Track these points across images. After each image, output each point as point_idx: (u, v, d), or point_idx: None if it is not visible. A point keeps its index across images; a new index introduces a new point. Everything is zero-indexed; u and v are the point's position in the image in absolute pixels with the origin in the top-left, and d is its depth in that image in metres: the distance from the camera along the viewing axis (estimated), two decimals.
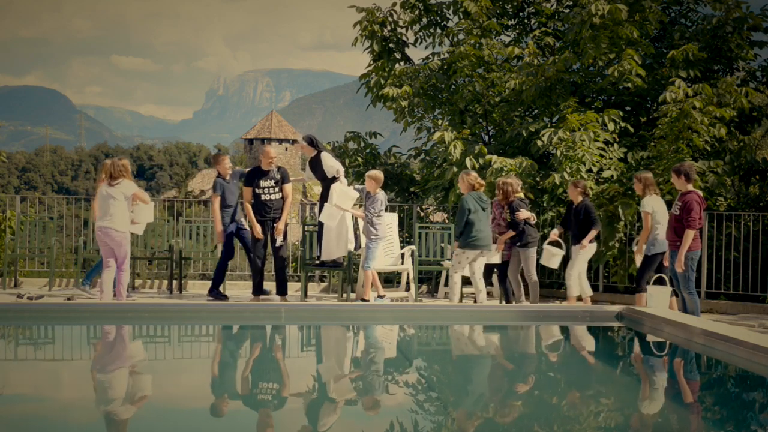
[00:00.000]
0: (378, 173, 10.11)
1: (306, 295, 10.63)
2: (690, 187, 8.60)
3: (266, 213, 10.00)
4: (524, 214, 9.74)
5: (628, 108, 13.62)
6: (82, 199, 14.10)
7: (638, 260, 9.52)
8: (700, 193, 8.70)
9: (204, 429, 4.23)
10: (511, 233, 9.79)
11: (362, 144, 14.93)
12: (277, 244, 10.04)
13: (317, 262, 10.62)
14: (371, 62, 14.78)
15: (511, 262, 9.94)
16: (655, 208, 9.32)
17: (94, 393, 5.08)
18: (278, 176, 10.08)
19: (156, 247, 12.25)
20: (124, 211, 9.38)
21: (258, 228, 9.94)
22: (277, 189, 10.03)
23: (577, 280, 9.91)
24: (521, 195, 9.97)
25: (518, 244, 9.79)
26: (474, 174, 10.02)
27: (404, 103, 13.94)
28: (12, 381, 5.35)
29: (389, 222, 10.62)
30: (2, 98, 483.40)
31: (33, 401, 4.75)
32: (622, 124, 12.25)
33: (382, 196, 10.01)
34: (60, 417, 4.41)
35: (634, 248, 9.72)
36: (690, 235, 8.43)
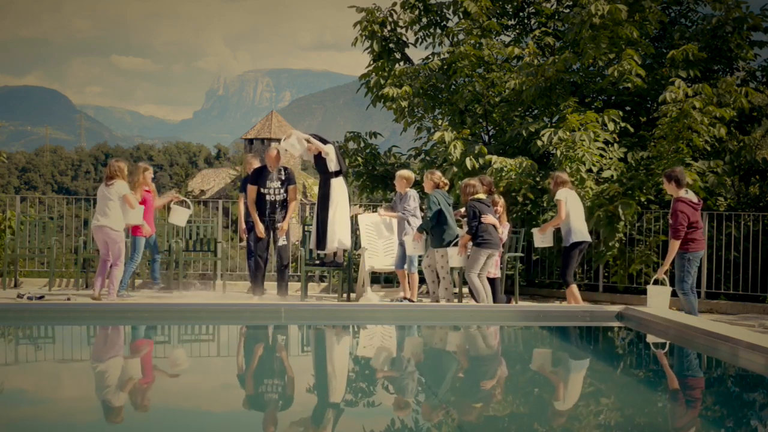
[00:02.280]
0: (408, 172, 10.26)
1: (306, 295, 10.63)
2: (681, 192, 8.55)
3: (270, 213, 10.04)
4: (489, 219, 9.42)
5: (628, 108, 13.63)
6: (82, 199, 14.10)
7: (537, 239, 9.90)
8: (692, 198, 8.58)
9: (204, 429, 4.24)
10: (468, 237, 9.51)
11: (362, 144, 14.94)
12: (280, 243, 10.06)
13: (317, 261, 10.62)
14: (371, 62, 14.78)
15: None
16: (568, 199, 9.44)
17: (94, 393, 5.08)
18: (284, 177, 10.12)
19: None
20: (118, 211, 9.77)
21: (261, 227, 9.98)
22: (282, 189, 10.08)
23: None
24: (482, 196, 9.59)
25: (474, 242, 9.49)
26: (438, 173, 10.10)
27: (404, 103, 13.95)
28: (12, 381, 5.35)
29: (389, 222, 10.63)
30: (2, 98, 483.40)
31: (33, 401, 4.75)
32: (622, 124, 12.25)
33: (413, 193, 10.14)
34: (60, 417, 4.41)
35: (534, 230, 9.98)
36: (674, 244, 8.41)
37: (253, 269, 10.29)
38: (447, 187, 10.14)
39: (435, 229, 9.77)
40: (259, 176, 10.15)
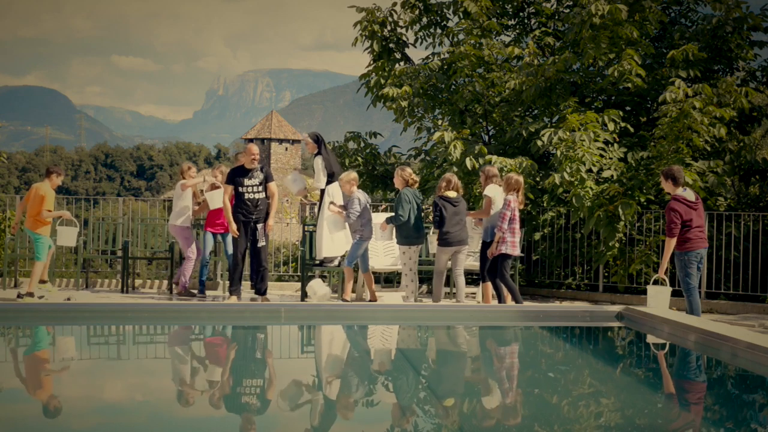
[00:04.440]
0: (348, 174, 9.97)
1: (306, 295, 10.62)
2: (678, 190, 8.54)
3: (250, 212, 9.91)
4: (472, 219, 9.70)
5: (628, 108, 13.63)
6: (82, 199, 14.09)
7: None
8: (688, 196, 8.54)
9: (203, 429, 4.24)
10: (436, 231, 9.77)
11: (362, 144, 14.95)
12: (259, 244, 9.93)
13: (317, 261, 10.60)
14: (371, 62, 14.79)
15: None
16: (496, 197, 9.51)
17: (93, 393, 5.08)
18: (262, 175, 9.98)
19: (156, 247, 12.25)
20: (178, 208, 10.83)
21: (234, 226, 9.87)
22: (261, 188, 9.94)
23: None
24: (452, 194, 9.76)
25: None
26: (409, 170, 10.08)
27: (404, 103, 13.95)
28: (12, 381, 5.35)
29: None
30: (2, 98, 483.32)
31: (33, 401, 4.75)
32: (622, 124, 12.25)
33: (359, 194, 9.87)
34: (59, 417, 4.41)
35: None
36: (668, 242, 8.41)
37: (231, 268, 10.19)
38: (417, 184, 10.17)
39: (401, 227, 9.82)
40: (237, 175, 9.95)
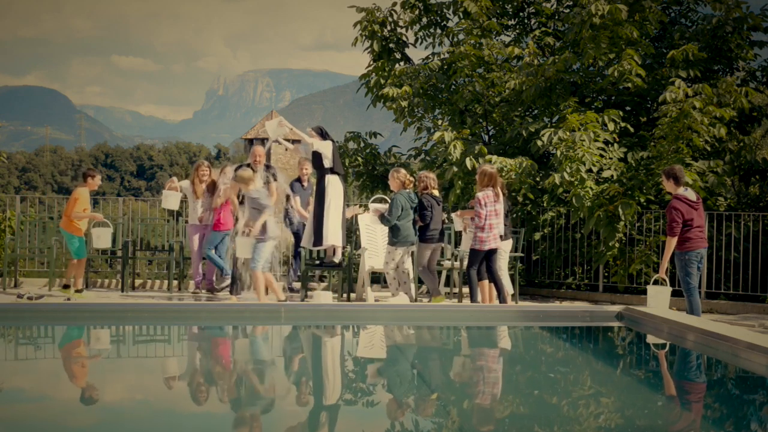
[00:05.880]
0: (244, 173, 9.43)
1: (306, 296, 10.62)
2: (679, 190, 8.54)
3: None
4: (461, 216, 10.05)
5: (628, 108, 13.63)
6: None
7: (457, 224, 10.24)
8: (689, 196, 8.54)
9: (203, 429, 4.24)
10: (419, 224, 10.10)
11: (362, 144, 14.95)
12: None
13: (317, 262, 10.61)
14: (371, 62, 14.79)
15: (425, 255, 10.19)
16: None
17: (93, 393, 5.08)
18: (267, 176, 10.04)
19: (156, 246, 12.26)
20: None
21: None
22: (265, 188, 9.99)
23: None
24: (437, 193, 10.20)
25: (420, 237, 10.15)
26: (404, 171, 10.26)
27: (404, 103, 13.96)
28: (11, 381, 5.35)
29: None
30: (2, 98, 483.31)
31: (32, 401, 4.75)
32: (622, 124, 12.26)
33: (254, 192, 9.38)
34: (59, 417, 4.41)
35: (454, 214, 10.33)
36: (669, 241, 8.41)
37: (233, 269, 10.24)
38: (412, 185, 10.25)
39: (392, 229, 10.05)
40: None
